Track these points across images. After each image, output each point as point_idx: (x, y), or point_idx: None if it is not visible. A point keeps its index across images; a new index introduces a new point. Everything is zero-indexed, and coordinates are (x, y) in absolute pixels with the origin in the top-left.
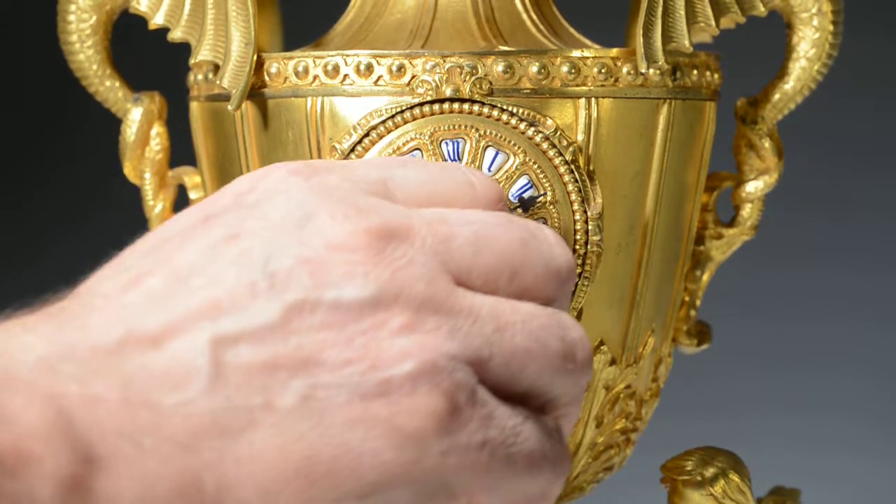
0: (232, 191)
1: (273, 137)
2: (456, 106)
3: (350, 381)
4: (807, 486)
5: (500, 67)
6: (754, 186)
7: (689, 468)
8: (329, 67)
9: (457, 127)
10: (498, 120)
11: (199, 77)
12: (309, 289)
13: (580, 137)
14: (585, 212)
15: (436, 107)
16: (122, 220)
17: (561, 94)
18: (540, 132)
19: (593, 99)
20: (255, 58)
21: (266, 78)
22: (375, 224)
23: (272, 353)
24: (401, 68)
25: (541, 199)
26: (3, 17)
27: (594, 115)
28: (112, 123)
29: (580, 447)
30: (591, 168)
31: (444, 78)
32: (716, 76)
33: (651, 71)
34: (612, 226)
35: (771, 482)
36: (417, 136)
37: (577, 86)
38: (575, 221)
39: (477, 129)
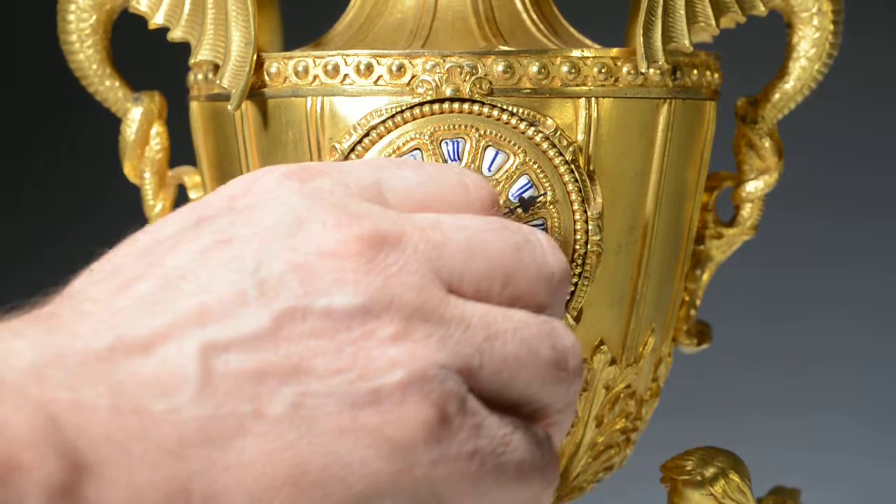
0: (225, 194)
1: (273, 137)
2: (456, 106)
3: (340, 389)
4: (807, 486)
5: (500, 67)
6: (754, 186)
7: (689, 468)
8: (329, 67)
9: (457, 127)
10: (498, 120)
11: (199, 77)
12: (300, 296)
13: (580, 137)
14: (585, 212)
15: (436, 107)
16: (122, 220)
17: (561, 93)
18: (540, 132)
19: (593, 99)
20: (254, 57)
21: (266, 78)
22: (367, 231)
23: (262, 361)
24: (401, 68)
25: (541, 198)
26: (3, 17)
27: (594, 114)
28: (112, 123)
29: (580, 447)
30: (591, 168)
31: (444, 78)
32: (716, 76)
33: (651, 71)
34: (612, 226)
35: (771, 482)
36: (417, 135)
37: (577, 86)
38: (575, 221)
39: (477, 129)
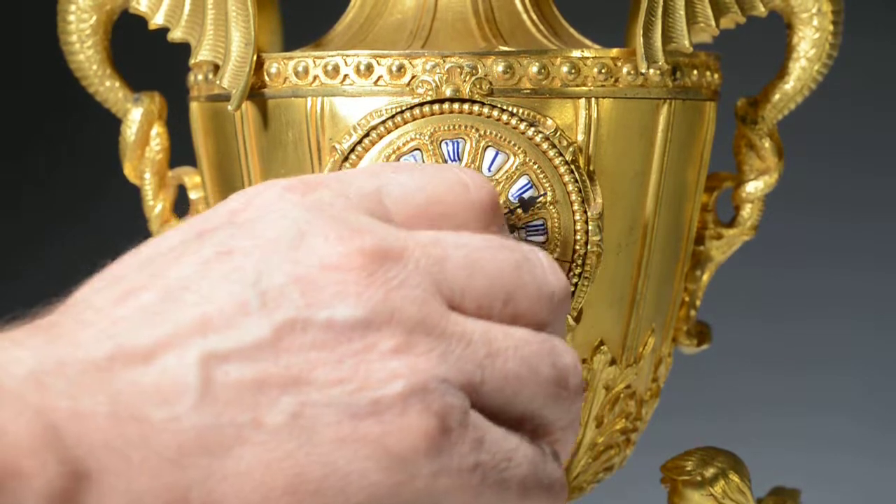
0: (226, 208)
1: (273, 138)
2: (456, 106)
3: (340, 400)
4: (807, 486)
5: (500, 67)
6: (754, 187)
7: (689, 468)
8: (329, 67)
9: (457, 127)
10: (498, 120)
11: (199, 77)
12: (301, 308)
13: (580, 137)
14: (585, 212)
15: (436, 107)
16: (122, 220)
17: (561, 94)
18: (540, 132)
19: (593, 99)
20: (254, 58)
21: (266, 78)
22: (369, 245)
23: (262, 371)
24: (401, 68)
25: (541, 199)
26: (3, 17)
27: (594, 115)
28: (112, 123)
29: (580, 447)
30: (591, 168)
31: (444, 78)
32: (716, 76)
33: (651, 71)
34: (612, 226)
35: (771, 482)
36: (417, 136)
37: (577, 86)
38: (575, 221)
39: (477, 130)
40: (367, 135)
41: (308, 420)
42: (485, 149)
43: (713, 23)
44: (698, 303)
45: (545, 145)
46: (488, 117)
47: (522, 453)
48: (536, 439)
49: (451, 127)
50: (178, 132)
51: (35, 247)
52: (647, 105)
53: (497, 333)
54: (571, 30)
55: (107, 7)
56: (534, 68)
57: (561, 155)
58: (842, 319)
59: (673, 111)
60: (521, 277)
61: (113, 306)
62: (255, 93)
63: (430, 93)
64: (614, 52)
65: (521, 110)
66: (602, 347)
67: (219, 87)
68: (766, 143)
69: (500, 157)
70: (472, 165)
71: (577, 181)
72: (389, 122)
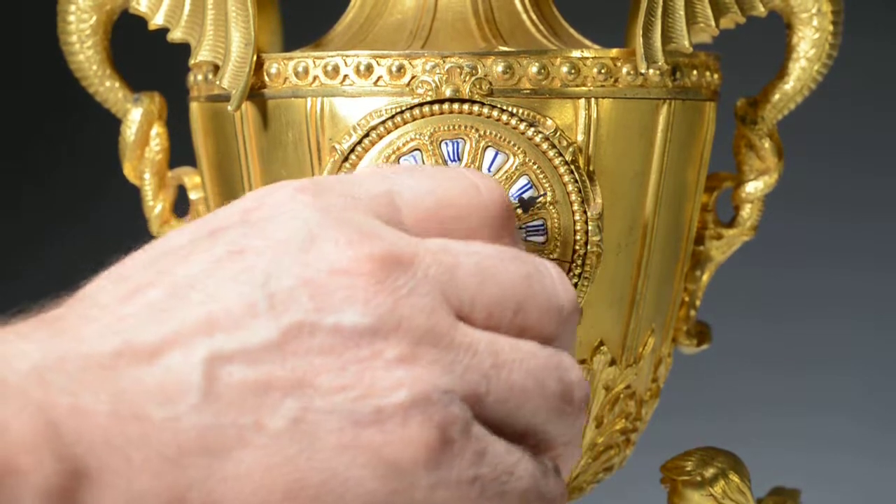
0: (238, 207)
1: (273, 138)
2: (456, 106)
3: (343, 407)
4: (807, 486)
5: (499, 68)
6: (754, 187)
7: (688, 468)
8: (329, 68)
9: (456, 127)
10: (498, 120)
11: (199, 77)
12: (309, 311)
13: (580, 138)
14: (585, 212)
15: (436, 107)
16: (122, 220)
17: (561, 94)
18: (540, 132)
19: (593, 99)
20: (254, 58)
21: (266, 78)
22: (379, 251)
23: (267, 373)
24: (401, 69)
25: (541, 199)
26: (3, 17)
27: (594, 115)
28: (112, 123)
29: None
30: (591, 168)
31: (444, 78)
32: (715, 76)
33: (651, 71)
34: (612, 226)
35: (771, 482)
36: (417, 136)
37: (577, 86)
38: (575, 222)
39: (477, 130)
40: (366, 135)
41: (310, 425)
42: (484, 149)
43: (713, 23)
44: (698, 303)
45: (545, 145)
46: (488, 117)
47: (524, 467)
48: (539, 454)
49: (451, 127)
50: (177, 132)
51: (35, 247)
52: (647, 105)
53: (504, 345)
54: (571, 30)
55: (107, 7)
56: (533, 68)
57: (561, 155)
58: (842, 319)
59: (673, 111)
60: (532, 289)
61: (119, 303)
62: (255, 93)
63: (429, 93)
64: (614, 52)
65: (520, 110)
66: (602, 348)
67: (219, 88)
68: (766, 144)
69: (500, 158)
70: (472, 166)
71: (576, 181)
72: (389, 123)
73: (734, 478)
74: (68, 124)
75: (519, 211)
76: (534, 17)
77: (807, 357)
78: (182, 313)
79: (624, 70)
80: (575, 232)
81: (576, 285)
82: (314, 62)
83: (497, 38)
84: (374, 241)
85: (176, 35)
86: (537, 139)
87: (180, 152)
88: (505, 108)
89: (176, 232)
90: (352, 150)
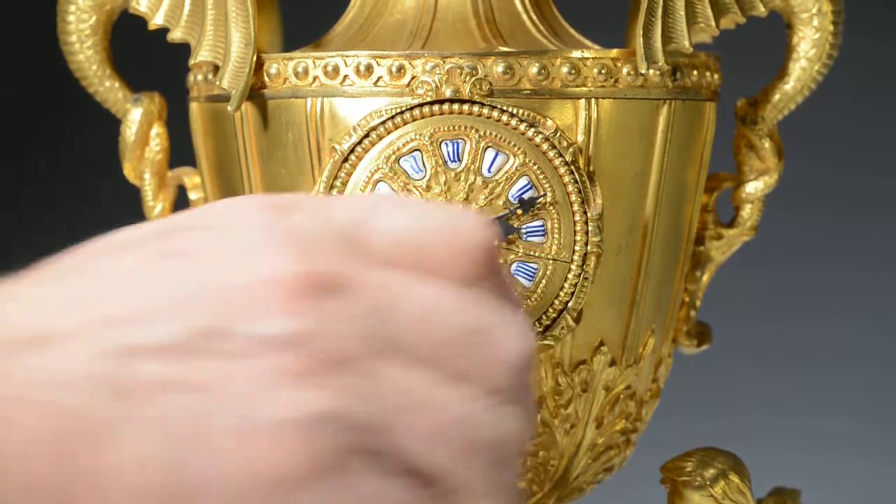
0: (199, 212)
1: (273, 138)
2: (456, 107)
3: (232, 412)
4: (807, 486)
5: (499, 68)
6: (754, 187)
7: (689, 469)
8: (329, 68)
9: (457, 128)
10: (498, 121)
11: (199, 78)
12: (224, 317)
13: (580, 138)
14: (585, 212)
15: (436, 108)
16: (122, 221)
17: (561, 94)
18: (540, 133)
19: (593, 100)
20: (254, 58)
21: (266, 79)
22: (315, 270)
23: (165, 371)
24: (401, 69)
25: (541, 199)
26: (3, 17)
27: (594, 115)
28: (112, 123)
29: (580, 448)
30: (591, 169)
31: (444, 79)
32: (715, 76)
33: (651, 71)
34: (612, 226)
35: (771, 482)
36: (417, 136)
37: (577, 86)
38: (575, 222)
39: (477, 130)
40: (366, 135)
41: (195, 428)
42: (485, 149)
43: (713, 23)
44: (698, 303)
45: (545, 146)
46: (488, 118)
47: None
48: (446, 497)
49: (451, 127)
50: (177, 132)
51: (35, 247)
52: (647, 105)
53: (421, 387)
54: (571, 30)
55: (106, 7)
56: (534, 69)
57: (561, 156)
58: (842, 319)
59: (673, 112)
60: (477, 340)
61: (37, 288)
62: (255, 93)
63: (429, 93)
64: (614, 52)
65: (520, 111)
66: (602, 348)
67: (219, 88)
68: (766, 144)
69: (500, 158)
70: (472, 166)
71: (576, 182)
72: (389, 123)
73: (734, 478)
74: (68, 124)
75: (519, 212)
76: (534, 17)
77: (807, 357)
78: (94, 304)
79: (624, 70)
80: (575, 232)
81: (576, 286)
82: (314, 62)
83: (497, 38)
84: (317, 261)
85: (176, 35)
86: (537, 139)
87: (180, 152)
88: (505, 108)
89: (136, 226)
90: (352, 151)
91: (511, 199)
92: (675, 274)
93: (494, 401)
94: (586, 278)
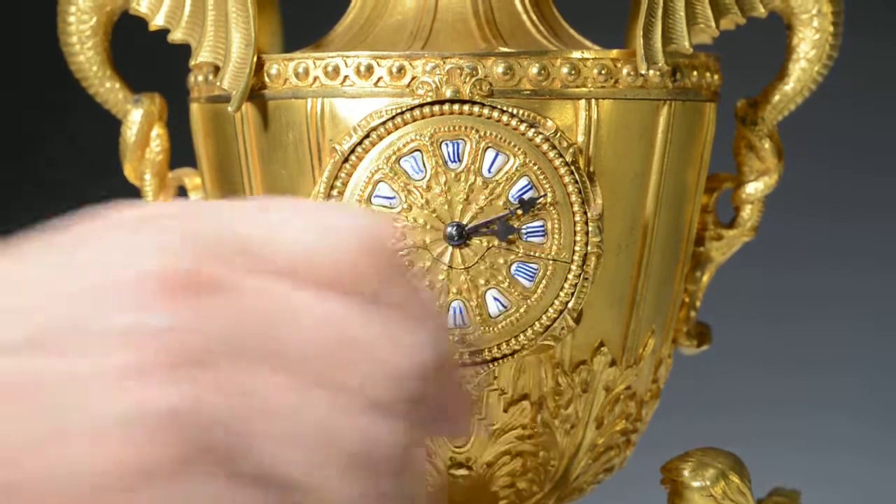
0: (119, 215)
1: (273, 139)
2: (456, 107)
3: (75, 407)
4: (807, 486)
5: (500, 69)
6: (754, 188)
7: (689, 469)
8: (329, 69)
9: (457, 128)
10: (498, 121)
11: (200, 78)
12: (87, 310)
13: (580, 139)
14: (585, 213)
15: (436, 108)
16: None
17: (561, 95)
18: (540, 133)
19: (593, 100)
20: (255, 59)
21: (266, 79)
22: (195, 270)
23: (16, 366)
24: (401, 69)
25: (541, 200)
26: (3, 17)
27: (594, 116)
28: (112, 124)
29: (580, 448)
30: (592, 169)
31: (445, 79)
32: (715, 77)
33: (651, 72)
34: (613, 227)
35: (771, 482)
36: (417, 137)
37: (577, 87)
38: (575, 223)
39: (477, 131)
40: (367, 136)
41: (38, 424)
42: (485, 150)
43: (713, 24)
44: (698, 304)
45: (545, 146)
46: (488, 118)
47: None
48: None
49: (452, 128)
50: (178, 133)
51: None
52: (647, 106)
53: (282, 392)
54: (571, 30)
55: (107, 8)
56: (534, 69)
57: (561, 156)
58: (842, 319)
59: (673, 112)
60: (356, 356)
61: None
62: (256, 94)
63: (430, 94)
64: (614, 53)
65: (521, 111)
66: (602, 349)
67: (219, 89)
68: (766, 145)
69: (501, 158)
70: (473, 166)
71: (577, 182)
72: (389, 124)
73: (734, 478)
74: (68, 124)
75: (519, 212)
76: (534, 17)
77: (807, 357)
78: None
79: (624, 71)
80: (575, 233)
81: (576, 286)
82: (314, 63)
83: (497, 38)
84: (196, 261)
85: (176, 36)
86: (537, 140)
87: (181, 153)
88: (505, 108)
89: (80, 221)
90: (352, 151)
91: (511, 200)
92: (675, 274)
93: (373, 413)
94: (586, 279)
